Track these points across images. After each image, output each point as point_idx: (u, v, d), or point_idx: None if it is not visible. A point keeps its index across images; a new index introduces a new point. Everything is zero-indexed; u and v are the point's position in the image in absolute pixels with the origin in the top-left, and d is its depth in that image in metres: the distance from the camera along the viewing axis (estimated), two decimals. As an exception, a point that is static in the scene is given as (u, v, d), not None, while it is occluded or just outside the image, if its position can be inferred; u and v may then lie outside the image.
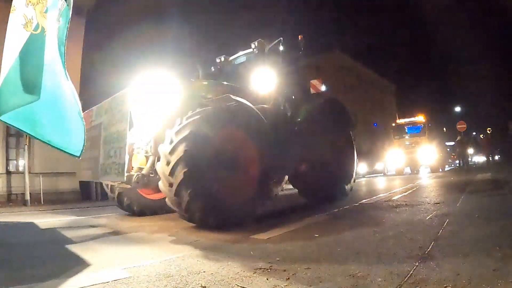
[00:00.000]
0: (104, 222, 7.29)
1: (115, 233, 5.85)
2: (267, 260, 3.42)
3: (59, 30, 3.62)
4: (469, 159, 33.34)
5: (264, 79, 8.03)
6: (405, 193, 10.10)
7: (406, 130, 30.01)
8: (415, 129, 29.63)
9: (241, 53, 9.48)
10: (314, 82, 9.89)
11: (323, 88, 9.91)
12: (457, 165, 38.04)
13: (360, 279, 2.72)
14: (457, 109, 48.18)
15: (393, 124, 31.85)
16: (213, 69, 9.81)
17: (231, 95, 6.27)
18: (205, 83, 7.97)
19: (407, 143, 29.18)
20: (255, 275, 2.97)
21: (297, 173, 8.31)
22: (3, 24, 3.64)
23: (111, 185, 7.65)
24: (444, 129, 44.40)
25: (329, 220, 5.97)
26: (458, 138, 30.71)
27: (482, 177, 15.13)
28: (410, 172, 29.67)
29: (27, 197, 13.48)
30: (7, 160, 15.28)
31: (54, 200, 14.60)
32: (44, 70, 3.44)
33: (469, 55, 40.78)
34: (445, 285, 2.46)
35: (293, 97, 9.20)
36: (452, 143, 42.51)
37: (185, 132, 5.41)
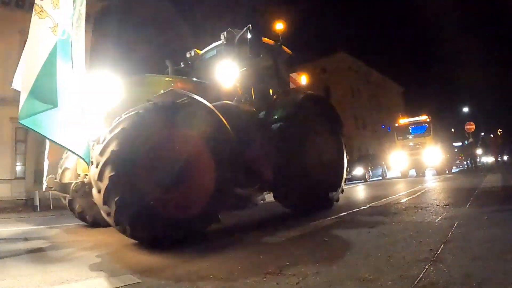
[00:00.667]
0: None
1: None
2: (276, 264, 3.42)
3: (79, 37, 3.63)
4: (478, 159, 32.77)
5: (228, 72, 7.31)
6: (410, 197, 10.02)
7: (410, 130, 28.34)
8: (419, 129, 27.98)
9: (212, 45, 8.63)
10: (293, 75, 9.12)
11: (303, 81, 9.17)
12: (466, 166, 36.94)
13: (370, 282, 2.72)
14: (465, 109, 48.03)
15: (396, 124, 30.00)
16: (182, 65, 9.06)
17: (177, 90, 5.69)
18: (167, 79, 7.11)
19: (411, 144, 27.55)
20: (264, 279, 2.98)
21: (275, 180, 7.15)
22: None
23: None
24: (453, 130, 44.21)
25: (338, 223, 5.95)
26: (471, 139, 31.01)
27: (491, 180, 14.99)
28: (416, 174, 27.56)
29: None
30: None
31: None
32: (70, 77, 3.46)
33: (478, 56, 40.61)
34: (455, 288, 2.46)
35: (272, 94, 8.67)
36: (459, 144, 42.32)
37: (116, 130, 4.60)
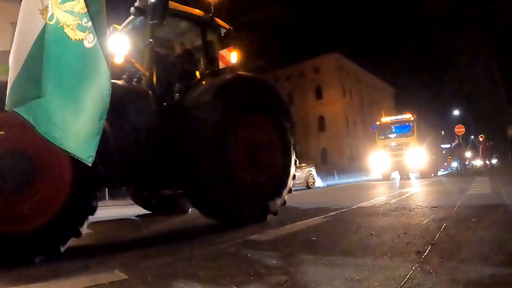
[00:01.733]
0: None
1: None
2: (263, 263, 3.42)
3: (87, 26, 3.50)
4: (467, 162, 32.54)
5: (132, 46, 6.44)
6: (398, 199, 10.06)
7: (393, 130, 26.10)
8: (403, 128, 25.74)
9: (128, 19, 7.29)
10: (223, 52, 7.49)
11: (232, 59, 7.38)
12: (456, 169, 36.49)
13: (357, 283, 2.72)
14: (456, 112, 48.29)
15: (378, 123, 27.60)
16: None
17: None
18: None
19: (393, 144, 25.37)
20: (251, 278, 2.96)
21: (186, 182, 6.12)
22: None
23: None
24: (443, 132, 44.44)
25: (326, 223, 5.95)
26: (456, 141, 30.65)
27: (480, 183, 15.09)
28: (400, 177, 26.25)
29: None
30: None
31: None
32: (56, 65, 3.34)
33: (469, 59, 40.69)
34: (441, 290, 2.47)
35: (201, 76, 7.18)
36: (448, 146, 42.47)
37: None
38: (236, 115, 6.24)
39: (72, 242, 4.24)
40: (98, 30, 3.48)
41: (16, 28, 3.27)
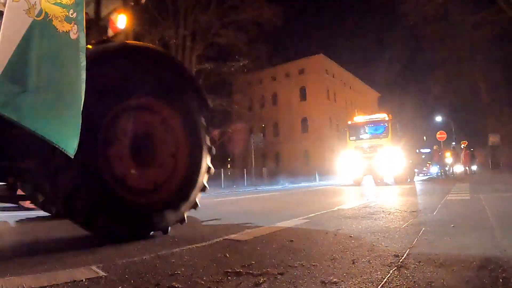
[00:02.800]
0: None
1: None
2: (241, 263, 3.39)
3: (73, 17, 3.49)
4: (447, 168, 32.37)
5: None
6: (378, 202, 10.12)
7: (366, 130, 24.52)
8: (376, 129, 24.08)
9: None
10: (113, 17, 5.87)
11: (120, 24, 5.71)
12: (437, 174, 36.05)
13: (334, 285, 2.71)
14: (438, 118, 48.81)
15: (349, 122, 25.84)
16: None
17: None
18: None
19: (365, 145, 23.66)
20: (228, 278, 2.94)
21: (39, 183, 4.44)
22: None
23: None
24: (424, 137, 44.88)
25: (305, 224, 5.94)
26: (435, 147, 30.71)
27: (460, 189, 15.25)
28: (374, 182, 24.60)
29: None
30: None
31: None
32: (44, 58, 3.32)
33: (453, 67, 41.17)
34: (418, 295, 2.47)
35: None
36: (427, 150, 42.87)
37: None
38: (116, 97, 4.62)
39: (48, 236, 4.18)
40: (81, 21, 3.50)
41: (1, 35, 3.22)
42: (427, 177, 39.46)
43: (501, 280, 2.71)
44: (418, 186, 18.74)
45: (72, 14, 3.43)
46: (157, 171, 5.07)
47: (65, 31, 3.39)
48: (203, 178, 5.47)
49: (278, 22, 35.78)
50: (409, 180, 25.02)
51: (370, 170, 22.99)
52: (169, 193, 5.04)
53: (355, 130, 24.93)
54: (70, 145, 3.35)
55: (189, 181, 5.22)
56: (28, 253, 4.05)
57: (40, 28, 3.29)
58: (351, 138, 24.69)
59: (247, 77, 49.67)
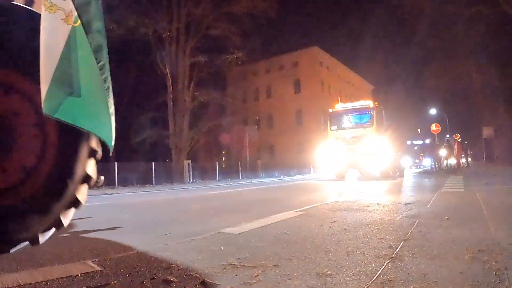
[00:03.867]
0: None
1: None
2: (237, 256, 3.41)
3: (90, 20, 3.58)
4: (441, 160, 31.90)
5: None
6: (373, 195, 10.14)
7: (349, 119, 21.81)
8: (360, 117, 21.50)
9: None
10: None
11: None
12: (431, 167, 34.72)
13: (328, 277, 2.72)
14: (433, 111, 48.90)
15: (330, 110, 22.97)
16: None
17: None
18: None
19: (348, 135, 21.01)
20: (224, 271, 2.95)
21: None
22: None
23: None
24: (419, 130, 44.97)
25: (300, 217, 5.96)
26: (428, 139, 30.52)
27: (454, 181, 15.30)
28: (359, 176, 22.86)
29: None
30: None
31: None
32: (86, 63, 3.43)
33: (447, 60, 41.15)
34: (412, 286, 2.48)
35: None
36: (420, 142, 42.64)
37: None
38: None
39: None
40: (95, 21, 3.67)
41: (41, 47, 3.30)
42: (420, 169, 39.09)
43: (494, 273, 2.73)
44: (408, 181, 17.38)
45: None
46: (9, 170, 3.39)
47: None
48: (76, 189, 3.49)
49: (272, 14, 35.73)
50: (398, 173, 23.26)
51: (354, 163, 20.77)
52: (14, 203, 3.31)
53: (336, 119, 22.17)
54: (111, 140, 3.50)
55: (52, 190, 3.37)
56: (23, 249, 4.03)
57: (79, 33, 3.43)
58: (332, 127, 21.94)
59: (241, 70, 49.53)
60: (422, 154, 42.65)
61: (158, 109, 33.96)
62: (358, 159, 20.10)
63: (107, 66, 3.59)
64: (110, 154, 3.54)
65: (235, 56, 32.89)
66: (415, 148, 42.60)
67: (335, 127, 21.85)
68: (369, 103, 21.63)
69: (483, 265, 2.92)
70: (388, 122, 22.13)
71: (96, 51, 3.57)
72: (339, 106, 22.76)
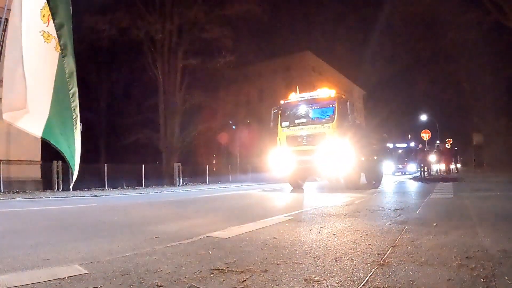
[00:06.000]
0: None
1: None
2: (224, 260, 3.40)
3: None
4: (431, 167, 30.98)
5: None
6: (362, 200, 10.15)
7: (306, 113, 16.69)
8: (319, 111, 16.43)
9: None
10: None
11: None
12: (419, 173, 30.78)
13: (316, 283, 2.72)
14: (424, 117, 49.09)
15: (282, 102, 17.68)
16: None
17: None
18: None
19: (303, 134, 16.11)
20: (211, 275, 2.94)
21: None
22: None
23: None
24: (409, 135, 45.04)
25: (289, 222, 5.95)
26: (419, 146, 30.10)
27: (442, 188, 15.34)
28: (328, 181, 19.16)
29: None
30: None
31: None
32: (62, 90, 3.59)
33: (438, 65, 41.36)
34: (399, 293, 2.48)
35: None
36: (404, 145, 41.90)
37: None
38: None
39: (30, 235, 4.15)
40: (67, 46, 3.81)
41: (29, 74, 3.38)
42: (407, 176, 35.24)
43: (482, 280, 2.74)
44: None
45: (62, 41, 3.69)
46: None
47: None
48: None
49: (265, 18, 35.67)
50: (374, 182, 18.73)
51: (310, 168, 16.25)
52: None
53: (289, 112, 17.14)
54: (73, 167, 3.68)
55: None
56: (10, 251, 4.01)
57: (60, 60, 3.54)
58: (283, 124, 16.90)
59: (233, 73, 49.59)
60: (407, 159, 39.90)
61: (149, 111, 33.90)
62: (315, 164, 15.58)
63: (77, 94, 3.71)
64: (72, 181, 3.79)
65: (227, 59, 32.87)
66: (399, 151, 41.19)
67: (287, 123, 16.84)
68: (330, 92, 16.39)
69: (471, 272, 2.93)
70: (354, 117, 16.61)
71: (69, 76, 3.66)
72: (294, 97, 17.51)
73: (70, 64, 3.67)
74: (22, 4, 3.21)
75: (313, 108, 16.64)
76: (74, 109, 3.68)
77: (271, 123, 17.52)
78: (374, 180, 18.95)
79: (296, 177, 17.41)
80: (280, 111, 17.27)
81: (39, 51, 3.39)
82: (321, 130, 15.64)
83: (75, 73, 3.71)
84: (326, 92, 16.57)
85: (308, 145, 15.85)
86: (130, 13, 28.03)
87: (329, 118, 15.74)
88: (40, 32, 3.41)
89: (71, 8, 3.81)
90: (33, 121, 3.32)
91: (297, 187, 17.25)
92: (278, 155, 16.65)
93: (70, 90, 3.66)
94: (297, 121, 16.65)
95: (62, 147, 3.55)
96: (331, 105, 15.91)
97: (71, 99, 3.67)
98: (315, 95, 16.84)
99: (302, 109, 16.83)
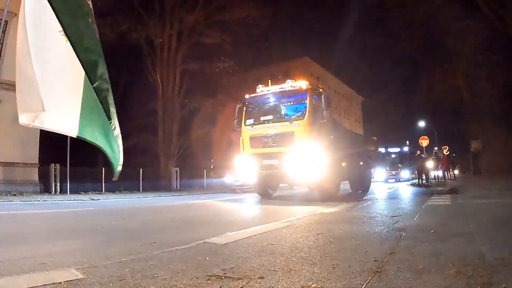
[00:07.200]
0: None
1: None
2: (222, 267, 3.39)
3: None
4: (428, 173, 30.02)
5: None
6: (359, 206, 10.14)
7: (273, 108, 14.21)
8: (291, 108, 13.82)
9: None
10: None
11: None
12: (419, 180, 28.52)
13: (313, 291, 2.71)
14: (422, 124, 49.13)
15: (247, 96, 14.89)
16: None
17: None
18: None
19: (270, 134, 13.45)
20: (208, 282, 2.93)
21: None
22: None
23: None
24: (407, 142, 44.96)
25: (286, 228, 5.94)
26: (418, 152, 29.84)
27: (440, 194, 15.32)
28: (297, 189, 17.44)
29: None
30: None
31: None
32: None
33: (437, 72, 41.44)
34: (396, 301, 2.47)
35: None
36: (397, 149, 41.16)
37: None
38: None
39: (29, 238, 4.14)
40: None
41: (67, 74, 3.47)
42: (400, 183, 31.83)
43: (479, 287, 2.73)
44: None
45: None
46: None
47: None
48: None
49: (265, 23, 35.70)
50: (360, 191, 16.18)
51: (277, 175, 13.71)
52: None
53: (255, 108, 14.66)
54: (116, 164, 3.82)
55: None
56: (7, 255, 4.00)
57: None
58: (247, 122, 14.33)
59: (231, 78, 49.56)
60: (400, 165, 37.54)
61: (147, 115, 33.86)
62: (283, 170, 12.95)
63: (110, 90, 3.79)
64: (115, 178, 3.95)
65: (227, 64, 32.90)
66: (393, 156, 39.54)
67: (251, 121, 14.21)
68: (302, 84, 13.49)
69: (468, 279, 2.93)
70: (330, 114, 13.41)
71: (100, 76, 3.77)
72: (261, 90, 14.74)
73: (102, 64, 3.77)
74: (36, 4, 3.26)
75: (282, 103, 14.07)
76: (109, 104, 3.78)
77: (235, 121, 14.76)
78: (360, 189, 16.36)
79: (264, 185, 14.96)
80: (244, 107, 14.72)
81: (60, 51, 3.44)
82: (289, 129, 12.97)
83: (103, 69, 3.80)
84: (297, 83, 13.66)
85: (275, 146, 13.28)
86: (130, 17, 28.01)
87: (300, 114, 13.12)
88: (60, 31, 3.43)
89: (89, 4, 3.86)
90: (64, 121, 3.39)
91: (265, 196, 14.82)
92: (241, 159, 14.17)
93: (101, 86, 3.75)
94: (262, 118, 14.00)
95: (101, 142, 3.62)
96: (302, 99, 13.33)
97: (103, 94, 3.77)
98: (284, 88, 13.87)
99: (270, 104, 14.35)
